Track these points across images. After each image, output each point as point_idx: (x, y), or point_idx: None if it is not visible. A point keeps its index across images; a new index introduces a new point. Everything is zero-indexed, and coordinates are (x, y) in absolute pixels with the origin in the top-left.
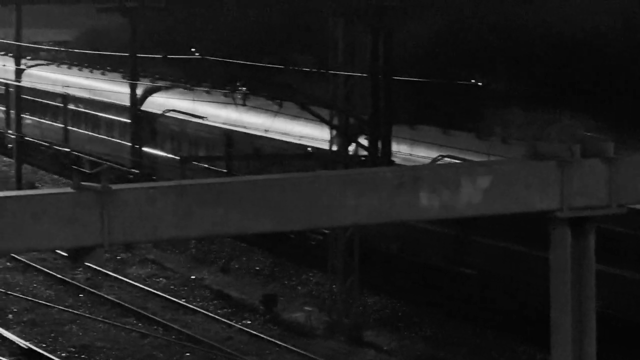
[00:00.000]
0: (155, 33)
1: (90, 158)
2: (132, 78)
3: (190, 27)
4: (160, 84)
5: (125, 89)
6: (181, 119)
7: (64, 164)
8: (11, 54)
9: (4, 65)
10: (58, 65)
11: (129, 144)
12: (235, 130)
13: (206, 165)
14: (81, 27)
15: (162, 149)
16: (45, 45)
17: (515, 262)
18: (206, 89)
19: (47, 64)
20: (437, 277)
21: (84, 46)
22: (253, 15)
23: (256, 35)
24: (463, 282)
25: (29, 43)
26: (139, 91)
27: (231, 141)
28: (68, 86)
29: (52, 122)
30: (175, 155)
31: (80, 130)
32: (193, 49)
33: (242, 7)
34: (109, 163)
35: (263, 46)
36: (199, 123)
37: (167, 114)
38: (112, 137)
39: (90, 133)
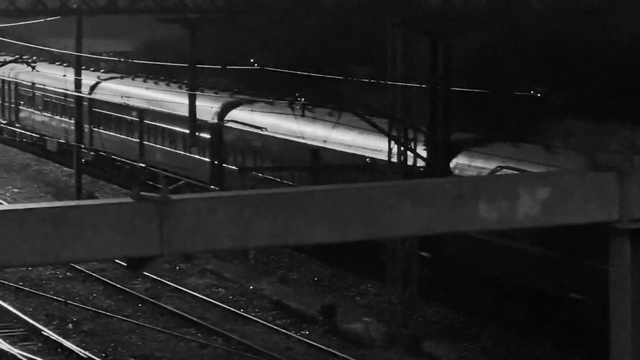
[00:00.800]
0: (216, 44)
1: (167, 174)
2: (192, 88)
3: (250, 38)
4: (240, 97)
5: (204, 104)
6: (260, 134)
7: (140, 180)
8: (83, 67)
9: (64, 76)
10: (133, 79)
11: (208, 159)
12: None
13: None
14: (141, 38)
15: (236, 163)
16: (105, 56)
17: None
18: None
19: (121, 77)
20: (539, 302)
21: (144, 57)
22: (311, 26)
23: (314, 46)
24: (570, 307)
25: (89, 53)
26: (218, 105)
27: (318, 157)
28: (137, 99)
29: (127, 136)
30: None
31: (157, 145)
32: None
33: (300, 18)
34: (186, 179)
35: (321, 57)
36: (281, 139)
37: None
38: (190, 152)
39: (166, 148)
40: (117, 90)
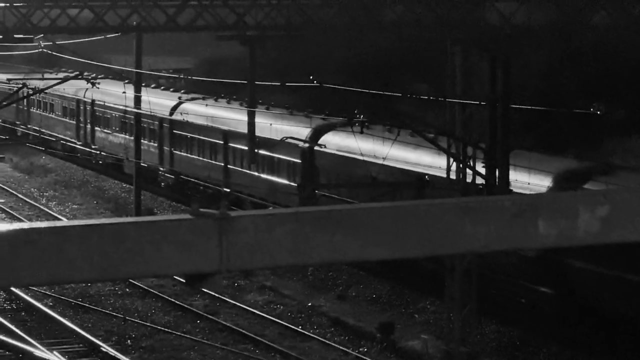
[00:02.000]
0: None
1: (253, 199)
2: (250, 105)
3: (309, 55)
4: (332, 120)
5: (296, 128)
6: (356, 159)
7: (224, 205)
8: (163, 87)
9: (122, 93)
10: (216, 100)
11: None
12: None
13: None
14: (200, 55)
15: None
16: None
17: None
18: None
19: (203, 98)
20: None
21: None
22: (370, 44)
23: (373, 63)
24: None
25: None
26: (309, 129)
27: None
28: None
29: (211, 159)
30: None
31: (243, 170)
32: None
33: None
34: (274, 205)
35: (380, 74)
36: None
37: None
38: (280, 178)
39: (253, 173)
40: (200, 111)
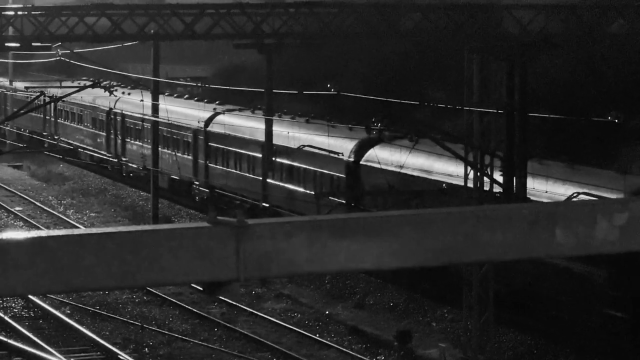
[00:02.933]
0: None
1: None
2: (268, 114)
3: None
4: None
5: (340, 142)
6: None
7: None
8: (196, 98)
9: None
10: (253, 111)
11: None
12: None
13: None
14: (218, 64)
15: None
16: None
17: None
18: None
19: (240, 109)
20: None
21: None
22: (388, 52)
23: (391, 71)
24: None
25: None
26: (352, 143)
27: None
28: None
29: (249, 173)
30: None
31: (285, 185)
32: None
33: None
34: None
35: (397, 82)
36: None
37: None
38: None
39: (298, 189)
40: (237, 123)
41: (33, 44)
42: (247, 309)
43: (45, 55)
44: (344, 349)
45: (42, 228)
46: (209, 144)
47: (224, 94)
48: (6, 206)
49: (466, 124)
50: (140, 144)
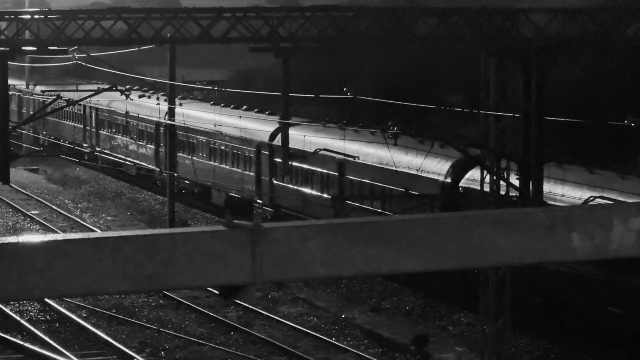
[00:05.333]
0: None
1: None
2: (285, 118)
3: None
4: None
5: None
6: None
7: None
8: (256, 110)
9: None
10: (324, 125)
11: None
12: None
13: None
14: (234, 67)
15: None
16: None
17: None
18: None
19: (310, 123)
20: None
21: (238, 86)
22: (404, 56)
23: (407, 75)
24: None
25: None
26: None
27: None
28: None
29: (321, 193)
30: None
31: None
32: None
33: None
34: None
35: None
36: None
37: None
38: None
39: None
40: (304, 139)
41: (50, 47)
42: (264, 312)
43: (62, 59)
44: (361, 354)
45: (59, 232)
46: (275, 159)
47: (240, 98)
48: (23, 210)
49: (483, 128)
50: (197, 159)
